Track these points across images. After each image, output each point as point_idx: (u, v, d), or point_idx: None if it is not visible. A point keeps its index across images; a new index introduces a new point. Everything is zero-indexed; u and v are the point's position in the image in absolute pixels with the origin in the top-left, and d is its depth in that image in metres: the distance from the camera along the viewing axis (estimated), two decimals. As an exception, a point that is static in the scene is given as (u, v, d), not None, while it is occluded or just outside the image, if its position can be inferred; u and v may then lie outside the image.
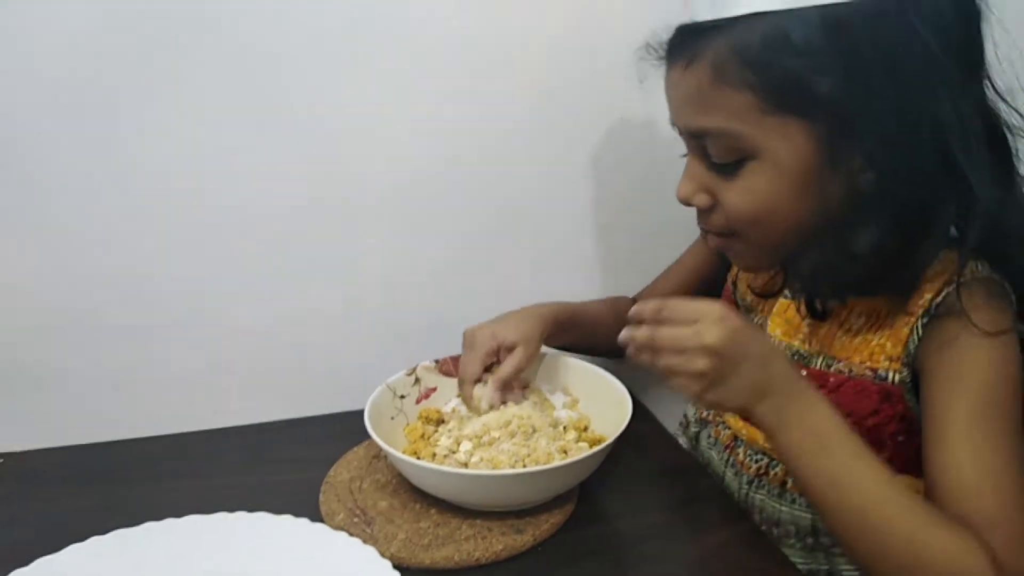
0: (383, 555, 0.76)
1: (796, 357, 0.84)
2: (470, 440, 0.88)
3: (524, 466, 0.83)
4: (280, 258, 1.06)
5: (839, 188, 0.73)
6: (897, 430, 0.78)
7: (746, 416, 0.73)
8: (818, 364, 0.82)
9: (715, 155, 0.77)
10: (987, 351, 0.71)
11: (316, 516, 0.84)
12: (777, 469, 0.87)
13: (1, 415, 1.02)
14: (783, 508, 0.86)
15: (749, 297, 0.94)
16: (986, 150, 0.70)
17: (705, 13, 0.73)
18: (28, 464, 0.99)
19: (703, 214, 0.82)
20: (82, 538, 0.78)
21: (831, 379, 0.80)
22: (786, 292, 0.87)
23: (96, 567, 0.76)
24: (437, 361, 1.01)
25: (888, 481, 0.69)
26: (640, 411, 0.90)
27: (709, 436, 0.97)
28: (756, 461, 0.89)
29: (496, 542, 0.81)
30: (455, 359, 0.99)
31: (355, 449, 0.97)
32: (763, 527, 0.87)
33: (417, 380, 0.99)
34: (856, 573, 0.84)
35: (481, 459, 0.85)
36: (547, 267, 1.16)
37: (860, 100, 0.69)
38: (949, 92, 0.68)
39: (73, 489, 0.93)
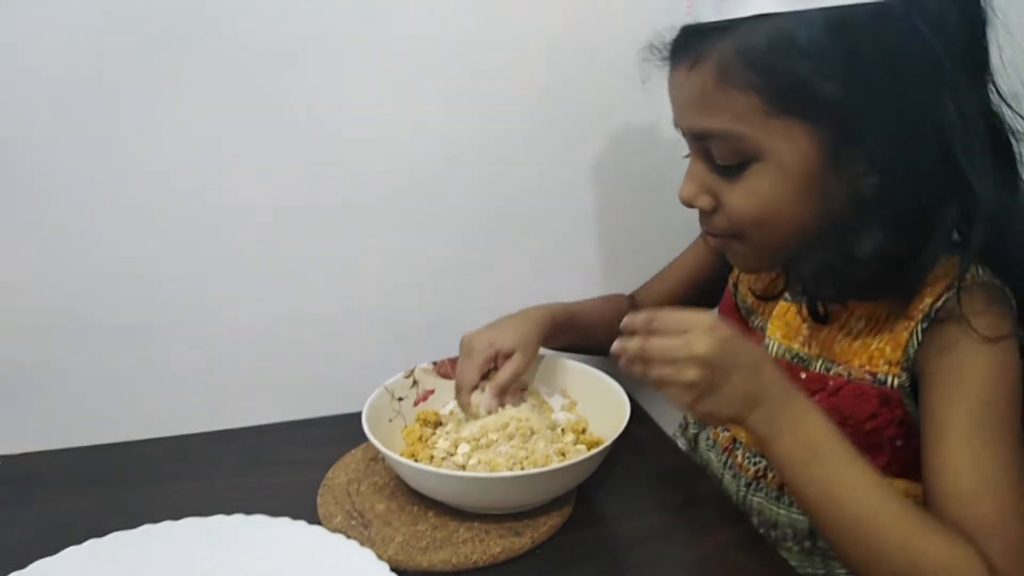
0: (381, 558, 0.76)
1: (795, 360, 0.83)
2: (468, 442, 0.88)
3: (522, 468, 0.83)
4: (279, 259, 1.06)
5: (842, 191, 0.73)
6: (896, 434, 0.78)
7: (739, 426, 0.73)
8: (817, 367, 0.82)
9: (718, 157, 0.76)
10: (987, 357, 0.71)
11: (314, 518, 0.84)
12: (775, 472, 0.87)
13: (-1, 417, 1.02)
14: (781, 511, 0.86)
15: (750, 300, 0.93)
16: (989, 154, 0.70)
17: (710, 14, 0.73)
18: (26, 466, 0.99)
19: (705, 216, 0.81)
20: (80, 540, 0.78)
21: (830, 382, 0.80)
22: (786, 295, 0.87)
23: (94, 569, 0.76)
24: (435, 363, 1.01)
25: (882, 488, 0.69)
26: (638, 413, 0.90)
27: (708, 438, 0.97)
28: (755, 463, 0.89)
29: (494, 545, 0.81)
30: (453, 361, 0.99)
31: (353, 451, 0.97)
32: (761, 530, 0.87)
33: (415, 382, 0.99)
34: (852, 577, 0.84)
35: (479, 461, 0.85)
36: (547, 267, 1.16)
37: (864, 103, 0.69)
38: (953, 96, 0.68)
39: (71, 491, 0.93)
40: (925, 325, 0.74)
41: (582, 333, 1.05)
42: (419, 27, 1.02)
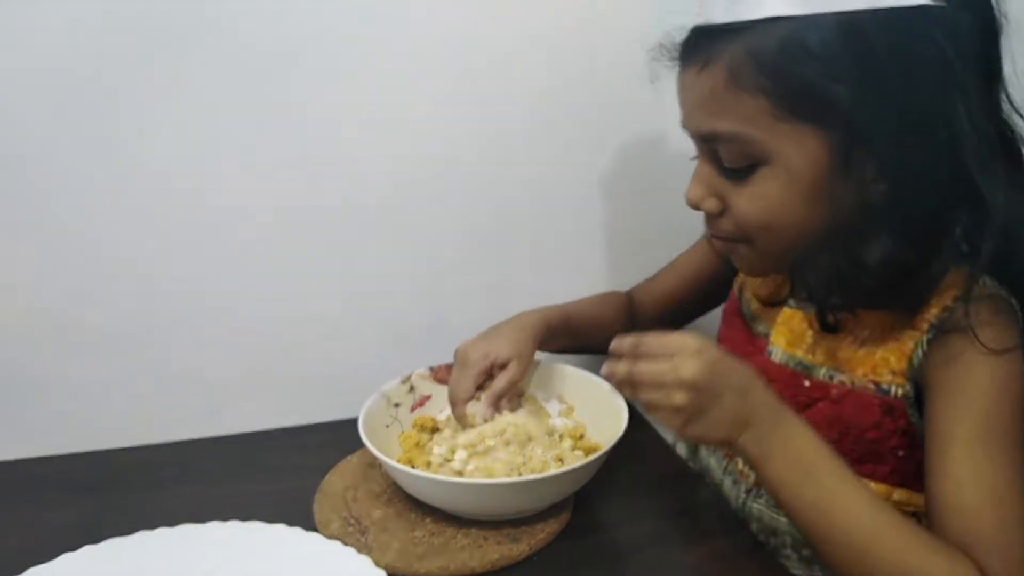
0: (378, 564, 0.77)
1: (799, 367, 0.83)
2: (465, 448, 0.87)
3: (519, 475, 0.83)
4: (277, 262, 1.06)
5: (850, 197, 0.72)
6: (898, 444, 0.77)
7: (729, 448, 0.73)
8: (821, 375, 0.81)
9: (726, 160, 0.76)
10: (992, 369, 0.70)
11: (310, 525, 0.84)
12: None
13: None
14: (781, 518, 0.85)
15: (754, 305, 0.92)
16: (1000, 163, 0.69)
17: (721, 16, 0.72)
18: (21, 472, 0.99)
19: (712, 219, 0.81)
20: (75, 547, 0.78)
21: (833, 390, 0.80)
22: (791, 302, 0.86)
23: (89, 576, 0.76)
24: (431, 369, 1.01)
25: (876, 505, 0.69)
26: (637, 419, 0.89)
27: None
28: (755, 470, 0.89)
29: (491, 551, 0.80)
30: (450, 367, 0.98)
31: (349, 458, 0.96)
32: (760, 537, 0.87)
33: (411, 388, 0.99)
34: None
35: (476, 468, 0.85)
36: (547, 268, 1.16)
37: (875, 110, 0.68)
38: (965, 104, 0.67)
39: (66, 497, 0.93)
40: (931, 335, 0.74)
41: (578, 335, 1.04)
42: (419, 27, 1.02)
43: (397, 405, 0.97)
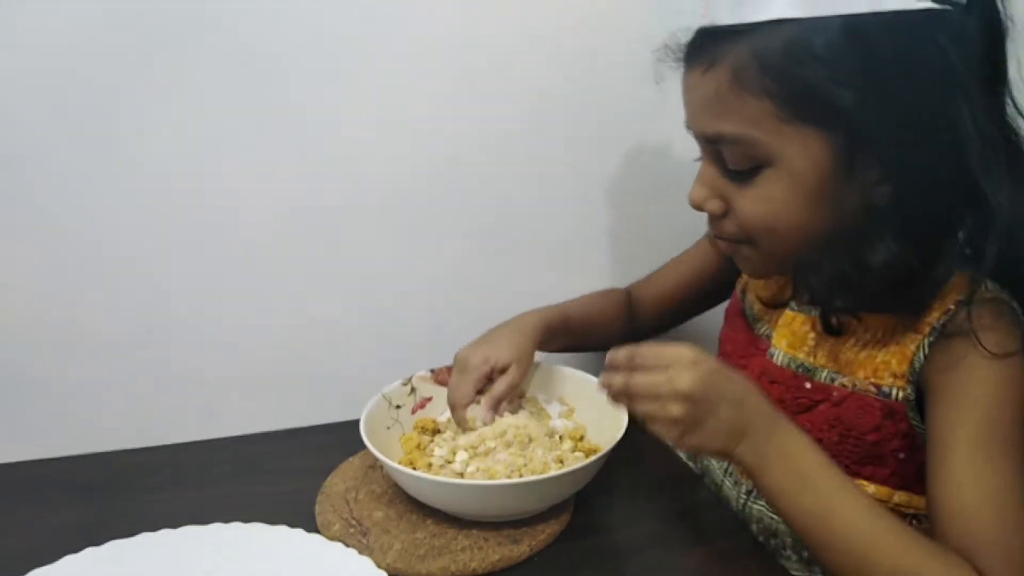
0: (379, 566, 0.77)
1: (800, 369, 0.83)
2: (466, 450, 0.88)
3: (520, 476, 0.84)
4: (277, 265, 1.06)
5: (854, 199, 0.72)
6: (899, 447, 0.77)
7: (727, 458, 0.73)
8: (822, 377, 0.81)
9: (730, 161, 0.76)
10: (994, 373, 0.70)
11: (312, 527, 0.84)
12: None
13: (-4, 426, 1.02)
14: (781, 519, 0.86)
15: (757, 307, 0.93)
16: (1005, 167, 0.69)
17: (726, 17, 0.72)
18: (22, 475, 0.99)
19: (715, 220, 0.81)
20: (77, 549, 0.78)
21: (834, 393, 0.80)
22: (792, 304, 0.86)
23: (91, 578, 0.76)
24: (432, 371, 1.01)
25: (874, 511, 0.69)
26: (637, 421, 0.90)
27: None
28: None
29: (492, 552, 0.81)
30: (450, 369, 0.98)
31: (350, 459, 0.96)
32: (760, 538, 0.87)
33: (412, 390, 0.99)
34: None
35: (477, 469, 0.86)
36: (548, 270, 1.16)
37: (879, 113, 0.68)
38: (970, 108, 0.67)
39: (68, 500, 0.93)
40: (932, 339, 0.74)
41: (578, 334, 1.05)
42: (419, 27, 1.02)
43: (398, 407, 0.97)
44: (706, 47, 0.75)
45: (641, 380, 0.73)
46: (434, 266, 1.12)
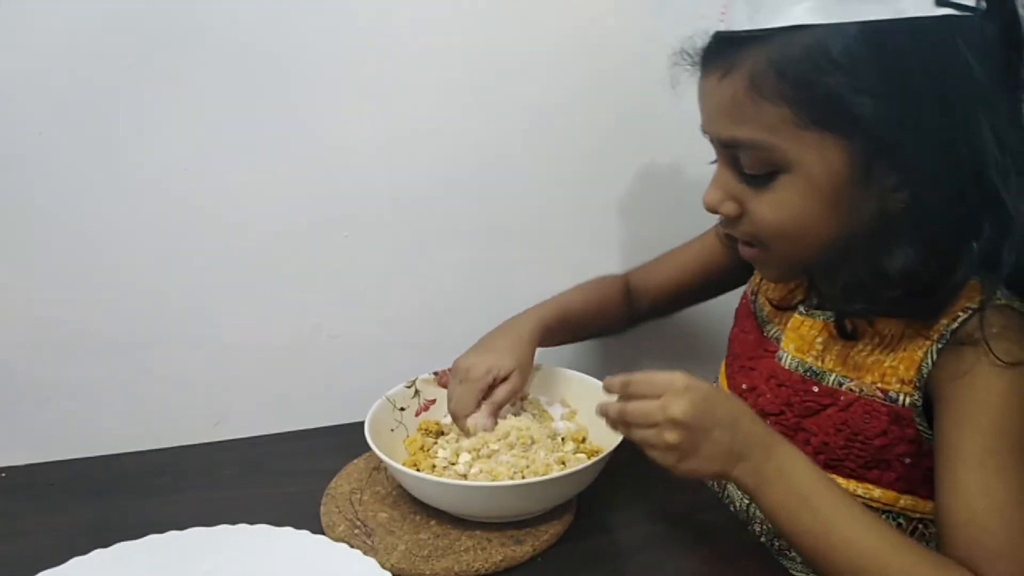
0: (383, 566, 0.77)
1: (808, 373, 0.83)
2: (469, 452, 0.89)
3: (523, 477, 0.84)
4: (281, 268, 1.06)
5: (871, 206, 0.72)
6: (905, 452, 0.77)
7: (725, 480, 0.73)
8: (830, 381, 0.81)
9: (747, 166, 0.75)
10: (1004, 382, 0.70)
11: (317, 528, 0.84)
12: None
13: (2, 428, 1.02)
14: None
15: (767, 308, 0.92)
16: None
17: (744, 23, 0.71)
18: (30, 477, 0.99)
19: (730, 222, 0.80)
20: (85, 551, 0.79)
21: (842, 397, 0.80)
22: (801, 308, 0.86)
23: (99, 580, 0.76)
24: (436, 373, 1.01)
25: (875, 527, 0.69)
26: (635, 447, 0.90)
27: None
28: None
29: (495, 553, 0.81)
30: (456, 371, 0.99)
31: (355, 461, 0.97)
32: (763, 538, 0.87)
33: (416, 392, 1.00)
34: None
35: (480, 470, 0.86)
36: (552, 275, 1.13)
37: (898, 120, 0.67)
38: (989, 116, 0.67)
39: (75, 502, 0.94)
40: (940, 345, 0.73)
41: (576, 329, 1.05)
42: (426, 33, 1.03)
43: (402, 409, 0.98)
44: (723, 52, 0.74)
45: (635, 408, 0.74)
46: (439, 270, 1.12)
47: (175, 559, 0.79)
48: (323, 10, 0.98)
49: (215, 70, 0.97)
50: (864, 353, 0.79)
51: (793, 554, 0.85)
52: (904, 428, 0.76)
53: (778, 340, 0.88)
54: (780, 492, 0.71)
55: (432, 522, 0.86)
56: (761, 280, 0.96)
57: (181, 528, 0.82)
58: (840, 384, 0.80)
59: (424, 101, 1.06)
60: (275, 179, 1.03)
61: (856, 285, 0.74)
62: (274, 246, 1.05)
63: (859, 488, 0.80)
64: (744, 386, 0.90)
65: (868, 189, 0.71)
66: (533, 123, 1.10)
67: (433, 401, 1.01)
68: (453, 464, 0.89)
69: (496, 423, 0.92)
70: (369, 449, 0.85)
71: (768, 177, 0.74)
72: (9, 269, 0.98)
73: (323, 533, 0.83)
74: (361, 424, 0.89)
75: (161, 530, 0.82)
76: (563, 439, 0.94)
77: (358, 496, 0.90)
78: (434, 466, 0.89)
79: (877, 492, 0.79)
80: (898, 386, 0.76)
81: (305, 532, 0.82)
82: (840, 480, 0.80)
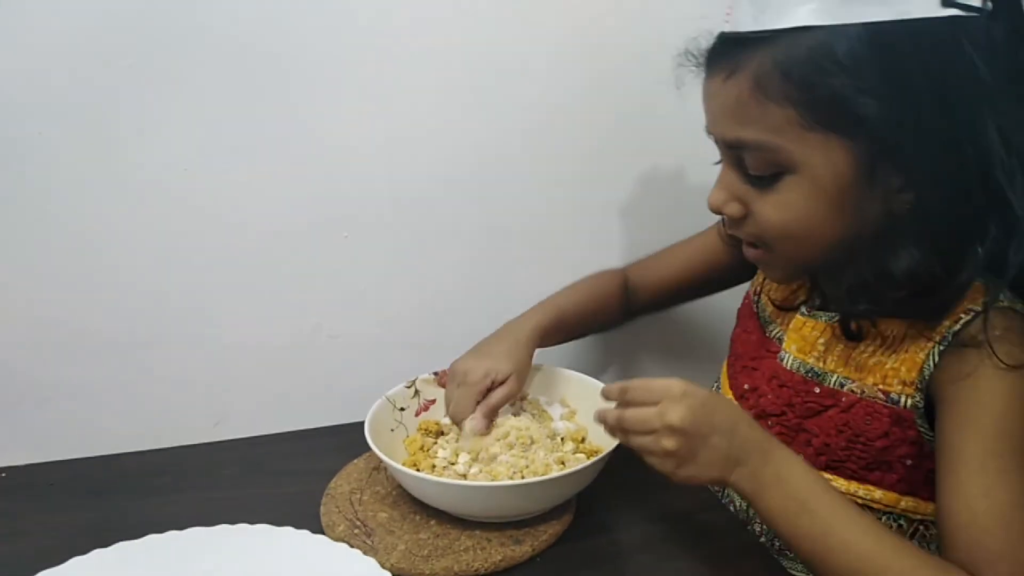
0: (383, 566, 0.77)
1: (809, 374, 0.83)
2: (469, 452, 0.89)
3: (522, 477, 0.84)
4: (281, 268, 1.06)
5: (876, 207, 0.72)
6: (907, 453, 0.77)
7: (723, 486, 0.73)
8: (831, 382, 0.81)
9: (751, 167, 0.75)
10: (1006, 384, 0.70)
11: (317, 528, 0.84)
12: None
13: (2, 428, 1.02)
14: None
15: (769, 309, 0.92)
16: None
17: (749, 24, 0.71)
18: (30, 477, 0.99)
19: (734, 223, 0.80)
20: (85, 551, 0.79)
21: (843, 398, 0.80)
22: (803, 309, 0.86)
23: (99, 580, 0.76)
24: (436, 373, 1.01)
25: (873, 530, 0.69)
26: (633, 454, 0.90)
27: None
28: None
29: (495, 553, 0.81)
30: (456, 372, 0.99)
31: (355, 461, 0.97)
32: (763, 538, 0.87)
33: (416, 392, 1.00)
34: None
35: (480, 470, 0.86)
36: (552, 276, 1.14)
37: (903, 121, 0.67)
38: (995, 116, 0.67)
39: (75, 502, 0.94)
40: (943, 347, 0.73)
41: (574, 329, 1.05)
42: (427, 33, 1.03)
43: (402, 409, 0.98)
44: (727, 53, 0.74)
45: (632, 415, 0.74)
46: (439, 270, 1.13)
47: (175, 559, 0.79)
48: (323, 10, 0.98)
49: (215, 70, 0.97)
50: (866, 354, 0.79)
51: (793, 554, 0.85)
52: (905, 430, 0.76)
53: (780, 341, 0.88)
54: (778, 496, 0.71)
55: (432, 522, 0.86)
56: (764, 280, 0.96)
57: (181, 528, 0.82)
58: (842, 385, 0.80)
59: (424, 101, 1.05)
60: (275, 179, 1.03)
61: (861, 286, 0.74)
62: (274, 246, 1.05)
63: (860, 489, 0.80)
64: (746, 386, 0.90)
65: (873, 190, 0.71)
66: (533, 123, 1.10)
67: (433, 401, 1.01)
68: (453, 464, 0.89)
69: (491, 426, 0.92)
70: (369, 449, 0.85)
71: (773, 178, 0.74)
72: (9, 269, 0.98)
73: (323, 533, 0.83)
74: (361, 424, 0.89)
75: (161, 530, 0.82)
76: (562, 439, 0.94)
77: (358, 496, 0.91)
78: (434, 466, 0.89)
79: (878, 493, 0.79)
80: (900, 388, 0.76)
81: (305, 532, 0.82)
82: (841, 481, 0.80)
